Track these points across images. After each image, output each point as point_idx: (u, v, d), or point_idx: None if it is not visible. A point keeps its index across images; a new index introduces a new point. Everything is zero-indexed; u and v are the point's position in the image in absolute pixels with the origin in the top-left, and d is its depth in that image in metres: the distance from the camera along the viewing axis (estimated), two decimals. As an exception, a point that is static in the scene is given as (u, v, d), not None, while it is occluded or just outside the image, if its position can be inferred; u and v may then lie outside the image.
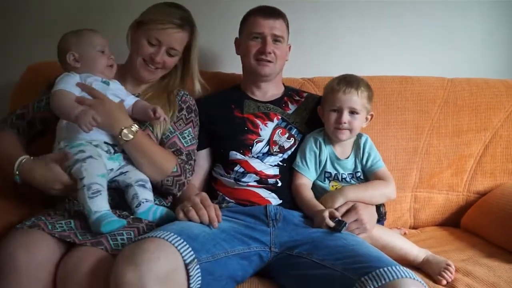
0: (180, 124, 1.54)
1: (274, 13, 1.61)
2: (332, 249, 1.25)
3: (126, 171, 1.39)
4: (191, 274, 1.12)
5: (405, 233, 1.74)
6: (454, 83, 1.92)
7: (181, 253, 1.12)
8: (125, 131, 1.35)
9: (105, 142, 1.38)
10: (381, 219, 1.50)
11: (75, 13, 2.01)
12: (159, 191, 1.47)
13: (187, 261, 1.12)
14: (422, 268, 1.43)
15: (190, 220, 1.29)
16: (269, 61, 1.60)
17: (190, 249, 1.14)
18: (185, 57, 1.59)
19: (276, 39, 1.60)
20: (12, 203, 1.45)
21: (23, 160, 1.33)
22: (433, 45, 2.12)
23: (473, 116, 1.88)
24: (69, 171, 1.30)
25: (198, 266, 1.14)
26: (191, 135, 1.56)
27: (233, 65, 1.82)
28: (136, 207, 1.33)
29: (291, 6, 1.97)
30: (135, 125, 1.38)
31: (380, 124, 1.86)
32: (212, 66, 2.01)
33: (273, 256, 1.34)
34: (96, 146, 1.35)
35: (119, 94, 1.45)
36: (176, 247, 1.12)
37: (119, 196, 1.39)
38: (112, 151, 1.38)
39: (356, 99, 1.49)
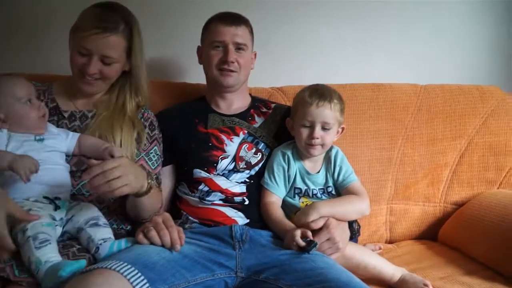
0: (145, 144, 1.44)
1: (236, 19, 1.53)
2: (300, 273, 1.17)
3: (72, 216, 1.25)
4: None
5: (380, 248, 1.67)
6: (427, 89, 1.86)
7: (133, 286, 1.02)
8: (150, 182, 1.25)
9: (44, 197, 1.22)
10: (354, 236, 1.42)
11: (32, 21, 1.89)
12: (120, 214, 1.38)
13: None
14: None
15: (150, 241, 1.19)
16: (232, 71, 1.51)
17: (145, 280, 1.05)
18: (130, 62, 1.44)
19: (239, 47, 1.52)
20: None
21: None
22: (406, 50, 2.07)
23: (448, 124, 1.83)
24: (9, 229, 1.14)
25: None
26: (157, 155, 1.47)
27: (199, 75, 1.71)
28: (95, 252, 1.18)
29: (259, 12, 1.95)
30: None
31: (352, 134, 1.79)
32: (177, 76, 1.93)
33: (239, 282, 1.25)
34: (35, 201, 1.21)
35: (57, 145, 1.31)
36: (128, 279, 1.02)
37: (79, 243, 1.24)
38: (55, 203, 1.23)
39: (329, 112, 1.41)
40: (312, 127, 1.42)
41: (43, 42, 1.87)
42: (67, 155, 1.35)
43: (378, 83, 1.87)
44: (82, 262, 1.09)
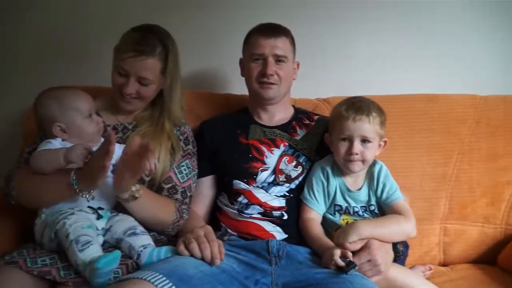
0: (178, 157, 1.46)
1: (275, 31, 1.50)
2: None
3: (110, 226, 1.29)
4: None
5: (430, 269, 1.55)
6: (488, 101, 1.74)
7: None
8: (135, 193, 1.25)
9: (89, 206, 1.27)
10: (398, 258, 1.33)
11: (86, 38, 1.98)
12: None
13: None
14: (445, 315, 1.26)
15: (191, 253, 1.19)
16: (272, 83, 1.49)
17: None
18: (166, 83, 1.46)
19: (279, 59, 1.49)
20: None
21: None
22: (462, 60, 1.94)
23: (510, 138, 1.68)
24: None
25: None
26: (188, 168, 1.48)
27: (244, 87, 1.70)
28: (137, 259, 1.21)
29: (306, 24, 1.92)
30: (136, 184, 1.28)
31: (403, 148, 1.70)
32: (222, 87, 1.93)
33: (275, 299, 1.21)
34: (79, 211, 1.26)
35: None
36: None
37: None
38: (97, 214, 1.28)
39: (368, 126, 1.34)
40: (350, 142, 1.36)
41: (92, 57, 1.96)
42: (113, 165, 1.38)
43: (432, 93, 1.76)
44: (117, 253, 1.11)
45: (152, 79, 1.40)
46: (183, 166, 1.46)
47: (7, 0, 2.00)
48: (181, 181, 1.44)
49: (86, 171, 1.21)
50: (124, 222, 1.29)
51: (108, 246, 1.27)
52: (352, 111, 1.35)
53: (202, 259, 1.19)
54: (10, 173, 1.34)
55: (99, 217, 1.27)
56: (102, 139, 1.38)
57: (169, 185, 1.42)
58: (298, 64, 1.60)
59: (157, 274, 1.06)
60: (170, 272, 1.08)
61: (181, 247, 1.20)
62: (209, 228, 1.25)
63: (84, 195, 1.23)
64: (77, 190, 1.22)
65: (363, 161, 1.36)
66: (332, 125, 1.42)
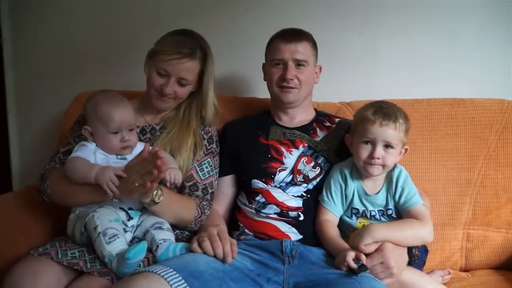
0: (199, 155, 1.52)
1: (296, 36, 1.52)
2: None
3: (141, 222, 1.36)
4: None
5: (449, 273, 1.53)
6: (516, 106, 1.68)
7: None
8: (154, 195, 1.30)
9: (120, 208, 1.34)
10: (412, 262, 1.33)
11: (117, 43, 2.08)
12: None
13: None
14: (459, 321, 1.25)
15: (203, 250, 1.25)
16: (292, 87, 1.52)
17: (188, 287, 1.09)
18: (201, 84, 1.54)
19: (299, 63, 1.51)
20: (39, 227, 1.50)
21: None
22: (490, 64, 1.88)
23: (538, 144, 1.63)
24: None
25: None
26: (210, 166, 1.53)
27: (267, 91, 1.74)
28: (155, 250, 1.28)
29: (331, 27, 1.92)
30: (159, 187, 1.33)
31: (427, 152, 1.69)
32: (247, 91, 1.97)
33: (286, 297, 1.25)
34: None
35: None
36: (171, 285, 1.08)
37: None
38: (128, 214, 1.35)
39: (393, 133, 1.35)
40: (373, 145, 1.36)
41: (123, 62, 2.07)
42: None
43: (458, 98, 1.73)
44: (143, 243, 1.18)
45: (191, 80, 1.48)
46: (204, 164, 1.51)
47: (39, 8, 2.13)
48: (202, 178, 1.49)
49: (124, 185, 1.25)
50: (154, 217, 1.36)
51: (137, 241, 1.34)
52: (379, 115, 1.36)
53: (215, 256, 1.23)
54: (46, 172, 1.43)
55: (130, 218, 1.34)
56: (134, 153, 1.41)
57: (191, 183, 1.48)
58: (320, 68, 1.61)
59: (168, 268, 1.11)
60: (181, 267, 1.13)
61: (195, 245, 1.26)
62: (223, 227, 1.31)
63: (115, 199, 1.30)
64: (111, 198, 1.28)
65: (384, 166, 1.37)
66: (355, 128, 1.43)
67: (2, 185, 2.19)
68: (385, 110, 1.38)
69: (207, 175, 1.51)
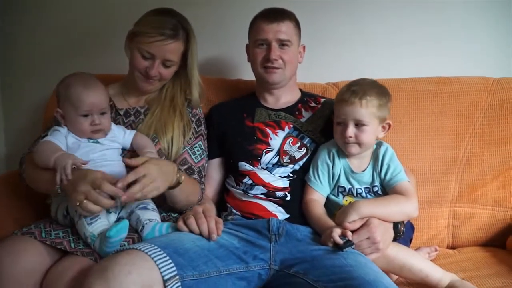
0: (190, 138, 1.52)
1: (278, 15, 1.52)
2: (327, 269, 1.15)
3: (126, 203, 1.32)
4: None
5: (436, 250, 1.55)
6: (501, 83, 1.69)
7: (159, 268, 1.07)
8: (179, 176, 1.30)
9: None
10: (398, 237, 1.34)
11: (104, 26, 2.06)
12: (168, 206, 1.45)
13: (166, 277, 1.06)
14: (446, 295, 1.26)
15: (189, 228, 1.25)
16: (277, 68, 1.51)
17: (172, 264, 1.09)
18: (185, 63, 1.52)
19: (283, 43, 1.50)
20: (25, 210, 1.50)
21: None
22: (476, 43, 1.88)
23: (524, 121, 1.64)
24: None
25: (179, 284, 1.08)
26: (201, 149, 1.53)
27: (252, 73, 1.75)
28: (141, 230, 1.28)
29: (316, 7, 1.91)
30: (175, 164, 1.33)
31: (412, 131, 1.70)
32: (232, 73, 1.96)
33: (272, 274, 1.26)
34: None
35: (112, 144, 1.38)
36: (155, 262, 1.07)
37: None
38: (110, 196, 1.28)
39: (360, 110, 1.34)
40: (345, 126, 1.37)
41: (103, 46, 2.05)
42: (123, 149, 1.44)
43: (443, 76, 1.74)
44: (125, 222, 1.17)
45: (176, 61, 1.47)
46: (196, 147, 1.51)
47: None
48: (196, 161, 1.50)
49: (69, 187, 1.19)
50: None
51: None
52: (347, 94, 1.36)
53: (200, 234, 1.24)
54: (23, 156, 1.43)
55: (112, 198, 1.29)
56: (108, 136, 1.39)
57: (186, 166, 1.48)
58: (304, 47, 1.61)
59: (152, 245, 1.11)
60: (165, 244, 1.13)
61: (180, 223, 1.26)
62: (208, 206, 1.32)
63: (58, 190, 1.23)
64: (57, 188, 1.23)
65: (359, 144, 1.37)
66: (334, 109, 1.44)
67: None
68: (353, 88, 1.37)
69: (199, 158, 1.51)
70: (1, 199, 1.49)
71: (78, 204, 1.15)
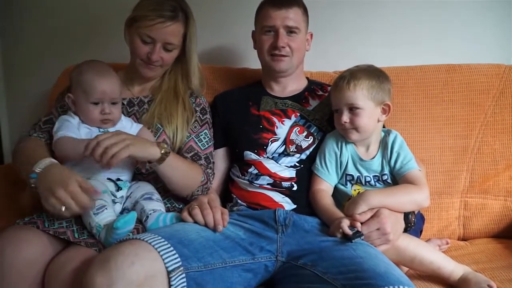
0: (195, 127, 1.49)
1: (286, 1, 1.46)
2: (336, 260, 1.11)
3: (130, 193, 1.33)
4: (172, 283, 1.03)
5: (447, 243, 1.51)
6: (513, 70, 1.64)
7: (163, 259, 1.04)
8: (162, 150, 1.26)
9: (108, 178, 1.30)
10: (408, 228, 1.30)
11: (107, 15, 2.02)
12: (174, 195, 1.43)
13: (170, 268, 1.03)
14: (458, 287, 1.22)
15: (194, 219, 1.22)
16: (284, 55, 1.47)
17: (176, 255, 1.06)
18: (184, 48, 1.48)
19: (291, 30, 1.46)
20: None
21: (52, 163, 1.21)
22: (487, 29, 1.83)
23: (538, 109, 1.59)
24: None
25: (183, 275, 1.05)
26: (208, 137, 1.50)
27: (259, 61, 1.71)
28: (145, 220, 1.26)
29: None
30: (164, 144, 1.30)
31: (422, 120, 1.66)
32: (238, 62, 1.93)
33: (279, 266, 1.22)
34: (98, 182, 1.28)
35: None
36: (159, 252, 1.05)
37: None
38: (117, 184, 1.31)
39: (349, 93, 1.31)
40: (340, 112, 1.34)
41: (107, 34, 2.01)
42: None
43: (453, 63, 1.69)
44: (133, 213, 1.15)
45: (177, 44, 1.44)
46: (201, 135, 1.49)
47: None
48: (202, 148, 1.47)
49: (46, 190, 1.14)
50: (143, 187, 1.34)
51: (127, 212, 1.29)
52: (337, 80, 1.35)
53: (206, 225, 1.21)
54: (21, 136, 1.41)
55: (119, 188, 1.31)
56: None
57: (192, 153, 1.45)
58: (311, 35, 1.57)
59: (156, 236, 1.08)
60: (170, 235, 1.11)
61: (185, 214, 1.23)
62: (213, 196, 1.28)
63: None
64: (32, 184, 1.19)
65: (356, 129, 1.33)
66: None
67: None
68: (343, 74, 1.36)
69: (206, 146, 1.49)
70: (3, 189, 1.46)
71: (58, 210, 1.13)
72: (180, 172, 1.35)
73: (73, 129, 1.30)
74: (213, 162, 1.50)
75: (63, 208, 1.12)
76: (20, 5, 2.10)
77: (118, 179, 1.32)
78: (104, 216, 1.18)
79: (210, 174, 1.46)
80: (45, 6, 2.08)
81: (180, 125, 1.45)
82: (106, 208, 1.20)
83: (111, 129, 1.33)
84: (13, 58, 2.16)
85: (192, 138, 1.47)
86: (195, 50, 1.49)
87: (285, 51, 1.47)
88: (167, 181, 1.35)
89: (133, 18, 1.42)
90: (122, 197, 1.32)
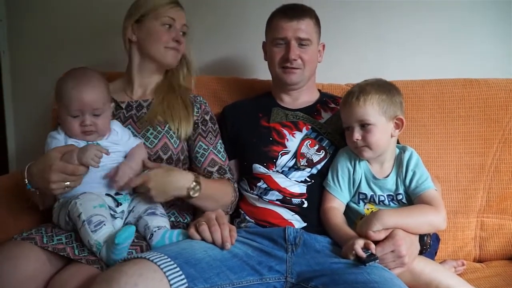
0: (210, 138, 1.46)
1: (297, 12, 1.42)
2: (349, 285, 1.05)
3: (133, 207, 1.28)
4: None
5: (463, 265, 1.45)
6: (533, 86, 1.58)
7: (169, 280, 0.99)
8: (191, 192, 1.27)
9: (107, 194, 1.26)
10: (424, 251, 1.24)
11: (111, 19, 1.98)
12: (179, 206, 1.40)
13: None
14: (475, 315, 1.16)
15: (201, 235, 1.17)
16: (296, 68, 1.43)
17: (182, 276, 1.01)
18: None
19: (302, 42, 1.42)
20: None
21: (30, 164, 1.22)
22: (504, 43, 1.77)
23: (558, 126, 1.53)
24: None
25: None
26: (223, 147, 1.49)
27: (269, 71, 1.66)
28: (149, 238, 1.20)
29: (336, 5, 1.83)
30: (194, 176, 1.28)
31: (437, 136, 1.60)
32: (247, 73, 1.88)
33: (289, 287, 1.16)
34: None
35: (113, 146, 1.29)
36: (164, 273, 0.99)
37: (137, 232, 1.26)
38: (116, 200, 1.26)
39: (360, 109, 1.26)
40: (351, 130, 1.30)
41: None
42: None
43: (471, 78, 1.64)
44: (131, 227, 1.11)
45: (188, 27, 1.49)
46: (218, 145, 1.47)
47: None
48: (223, 160, 1.46)
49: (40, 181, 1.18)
50: (146, 201, 1.28)
51: None
52: (345, 96, 1.31)
53: (213, 243, 1.16)
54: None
55: (118, 204, 1.26)
56: (115, 124, 1.35)
57: (217, 167, 1.43)
58: (323, 46, 1.52)
59: (162, 255, 1.03)
60: (176, 254, 1.06)
61: (192, 230, 1.18)
62: (221, 212, 1.22)
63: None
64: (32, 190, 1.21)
65: (369, 146, 1.28)
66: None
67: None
68: (352, 89, 1.31)
69: (225, 156, 1.48)
70: (5, 201, 1.41)
71: (64, 189, 1.18)
72: (212, 203, 1.34)
73: (59, 144, 1.25)
74: (234, 173, 1.49)
75: (67, 184, 1.18)
76: (28, 8, 2.08)
77: (117, 194, 1.27)
78: (102, 233, 1.12)
79: (236, 188, 1.44)
80: (54, 8, 2.06)
81: (184, 117, 1.43)
82: (104, 224, 1.14)
83: (102, 141, 1.27)
84: (19, 64, 2.14)
85: (211, 150, 1.44)
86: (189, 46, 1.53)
87: (297, 64, 1.43)
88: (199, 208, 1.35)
89: (143, 15, 1.44)
90: (122, 211, 1.26)
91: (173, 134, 1.41)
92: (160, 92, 1.47)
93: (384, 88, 1.29)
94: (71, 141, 1.26)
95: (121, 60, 1.86)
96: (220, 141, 1.48)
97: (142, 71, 1.48)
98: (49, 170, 1.15)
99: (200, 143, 1.44)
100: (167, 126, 1.41)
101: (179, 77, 1.53)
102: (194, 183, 1.27)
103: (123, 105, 1.46)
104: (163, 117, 1.41)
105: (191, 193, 1.26)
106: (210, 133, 1.47)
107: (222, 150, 1.47)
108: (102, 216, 1.15)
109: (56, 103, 1.27)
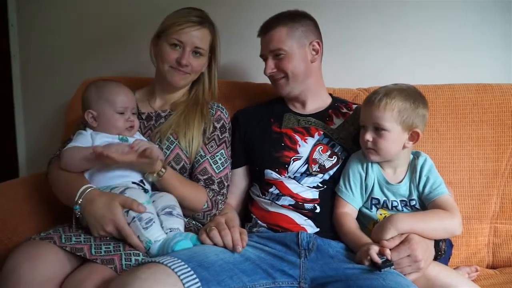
0: (211, 146, 1.45)
1: (268, 25, 1.45)
2: None
3: (153, 201, 1.29)
4: None
5: (476, 271, 1.44)
6: (547, 91, 1.57)
7: (183, 283, 0.98)
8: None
9: (133, 182, 1.30)
10: (439, 256, 1.23)
11: (124, 29, 2.01)
12: None
13: None
14: (492, 321, 1.15)
15: (212, 240, 1.17)
16: (279, 79, 1.46)
17: (196, 279, 1.01)
18: (210, 60, 1.52)
19: (276, 53, 1.43)
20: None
21: (89, 190, 1.23)
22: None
23: None
24: None
25: None
26: (224, 157, 1.46)
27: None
28: None
29: (346, 10, 1.82)
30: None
31: (451, 141, 1.59)
32: (260, 77, 1.86)
33: (302, 293, 1.15)
34: (127, 188, 1.27)
35: None
36: (179, 276, 0.99)
37: None
38: (143, 187, 1.31)
39: (379, 112, 1.25)
40: (365, 129, 1.29)
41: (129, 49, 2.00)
42: None
43: (484, 83, 1.62)
44: (193, 241, 1.16)
45: (205, 50, 1.46)
46: (217, 155, 1.44)
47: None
48: (217, 171, 1.43)
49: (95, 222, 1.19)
50: (166, 198, 1.30)
51: None
52: (370, 95, 1.29)
53: (225, 246, 1.16)
54: (51, 161, 1.40)
55: (146, 190, 1.30)
56: (137, 134, 1.40)
57: (206, 177, 1.42)
58: (318, 43, 1.46)
59: (175, 259, 1.03)
60: (189, 257, 1.06)
61: (203, 236, 1.18)
62: (231, 216, 1.23)
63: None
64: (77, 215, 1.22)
65: (377, 150, 1.27)
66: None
67: (9, 172, 2.16)
68: (379, 89, 1.30)
69: (221, 168, 1.44)
70: (20, 203, 1.43)
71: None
72: (178, 193, 1.33)
73: (83, 139, 1.31)
74: (228, 185, 1.46)
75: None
76: (39, 15, 2.10)
77: (141, 181, 1.31)
78: (153, 232, 1.16)
79: (220, 201, 1.41)
80: (66, 14, 2.09)
81: (196, 134, 1.43)
82: (154, 222, 1.18)
83: (131, 139, 1.34)
84: (30, 68, 2.16)
85: (207, 159, 1.43)
86: (219, 62, 1.52)
87: (278, 76, 1.45)
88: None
89: (163, 29, 1.44)
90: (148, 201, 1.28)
91: (181, 153, 1.42)
92: (180, 105, 1.49)
93: (410, 97, 1.26)
94: (99, 137, 1.31)
95: (132, 65, 1.90)
96: (222, 151, 1.46)
97: (163, 81, 1.49)
98: (108, 223, 1.17)
99: (200, 149, 1.44)
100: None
101: (199, 94, 1.53)
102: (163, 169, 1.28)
103: (144, 116, 1.48)
104: (176, 132, 1.42)
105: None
106: (213, 141, 1.46)
107: (219, 161, 1.44)
108: (151, 213, 1.19)
109: (92, 107, 1.33)
